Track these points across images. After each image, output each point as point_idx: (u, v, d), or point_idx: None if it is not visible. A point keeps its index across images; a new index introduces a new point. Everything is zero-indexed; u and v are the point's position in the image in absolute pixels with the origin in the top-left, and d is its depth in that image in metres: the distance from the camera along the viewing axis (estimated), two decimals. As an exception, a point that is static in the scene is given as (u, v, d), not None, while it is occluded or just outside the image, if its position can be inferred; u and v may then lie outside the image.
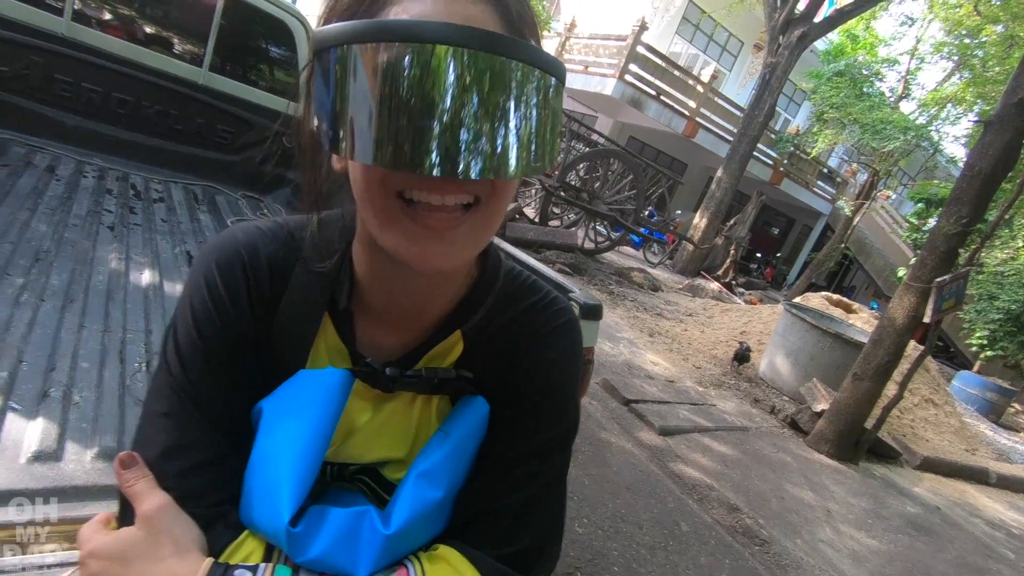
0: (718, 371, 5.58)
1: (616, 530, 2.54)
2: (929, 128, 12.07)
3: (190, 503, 0.48)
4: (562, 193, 8.27)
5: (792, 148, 14.13)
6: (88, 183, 2.19)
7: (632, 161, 8.77)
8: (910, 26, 13.47)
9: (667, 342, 5.96)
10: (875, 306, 13.16)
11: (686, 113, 12.40)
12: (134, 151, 2.59)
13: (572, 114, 10.26)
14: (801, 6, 10.18)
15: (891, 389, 4.52)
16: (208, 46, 2.66)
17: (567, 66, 12.62)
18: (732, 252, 10.98)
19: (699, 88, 12.49)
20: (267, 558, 0.48)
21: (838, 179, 16.56)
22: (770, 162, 14.22)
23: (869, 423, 4.50)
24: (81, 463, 0.90)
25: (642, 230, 10.18)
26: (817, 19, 10.27)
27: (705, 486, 3.22)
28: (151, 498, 0.47)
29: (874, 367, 4.31)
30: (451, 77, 0.37)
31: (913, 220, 11.45)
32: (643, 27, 11.11)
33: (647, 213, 11.13)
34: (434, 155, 0.37)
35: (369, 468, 0.57)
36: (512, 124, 0.39)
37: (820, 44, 12.92)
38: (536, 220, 8.21)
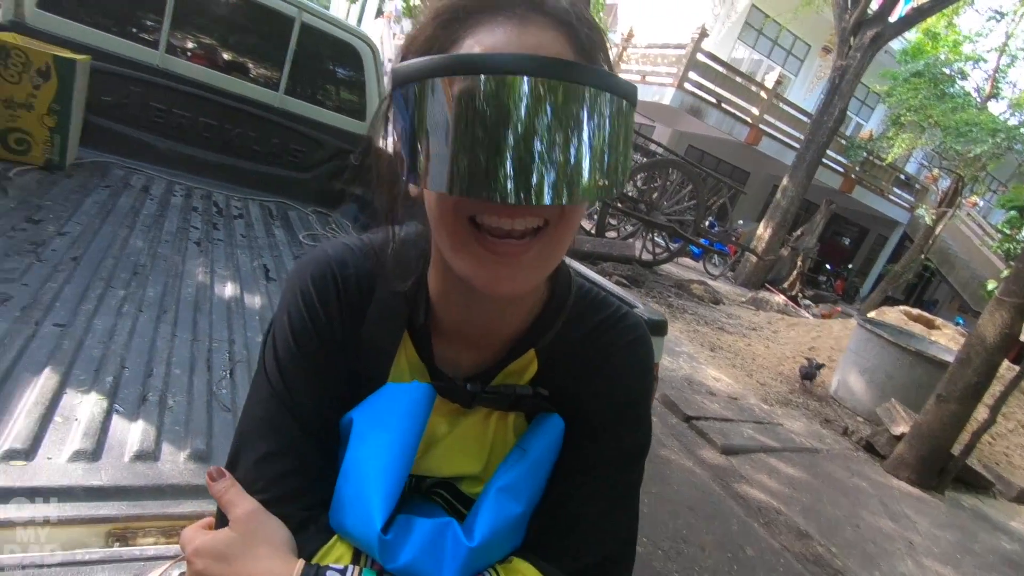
0: (784, 388, 5.32)
1: (677, 551, 2.46)
2: (1022, 129, 11.13)
3: (284, 506, 0.51)
4: (619, 204, 8.18)
5: (865, 154, 13.39)
6: (177, 201, 2.37)
7: (691, 171, 8.57)
8: (999, 21, 12.51)
9: (729, 357, 5.75)
10: (961, 322, 12.18)
11: (749, 120, 12.01)
12: (217, 171, 2.78)
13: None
14: (874, 6, 9.68)
15: (982, 413, 4.17)
16: (284, 71, 2.83)
17: (624, 76, 12.54)
18: (799, 264, 10.49)
19: (762, 94, 12.07)
20: (355, 561, 0.50)
21: (917, 186, 15.52)
22: (841, 169, 13.52)
23: (956, 449, 4.16)
24: (176, 463, 0.97)
25: (702, 241, 9.90)
26: (892, 18, 9.73)
27: (772, 509, 3.07)
28: (242, 504, 0.50)
29: (961, 388, 3.99)
30: (523, 106, 0.38)
31: (1005, 229, 10.53)
32: (703, 34, 10.88)
33: (707, 224, 10.83)
34: (507, 182, 0.39)
35: (446, 482, 0.59)
36: (583, 149, 0.40)
37: (895, 44, 12.23)
38: (593, 232, 8.16)
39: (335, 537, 0.51)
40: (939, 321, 6.94)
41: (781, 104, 12.51)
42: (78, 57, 2.20)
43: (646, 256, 8.64)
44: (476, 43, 0.44)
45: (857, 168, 13.73)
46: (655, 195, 8.48)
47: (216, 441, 1.06)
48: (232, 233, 2.27)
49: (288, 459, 0.52)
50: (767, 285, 10.70)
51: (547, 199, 0.40)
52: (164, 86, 2.58)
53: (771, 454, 3.79)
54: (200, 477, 0.95)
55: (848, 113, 11.53)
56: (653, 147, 9.06)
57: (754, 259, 10.77)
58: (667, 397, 4.03)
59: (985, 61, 12.55)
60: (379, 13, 22.18)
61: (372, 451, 0.51)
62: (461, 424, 0.58)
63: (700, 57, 11.10)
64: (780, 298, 9.63)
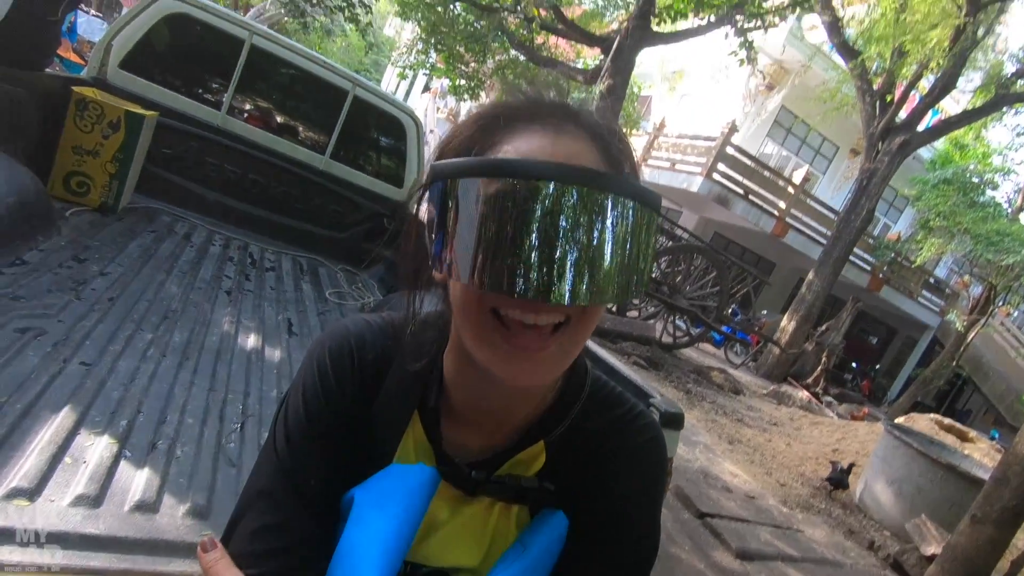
0: (806, 491, 5.05)
1: (683, 665, 2.27)
2: (1056, 243, 11.01)
3: None
4: (642, 284, 8.21)
5: (893, 255, 13.33)
6: (215, 250, 2.47)
7: (716, 258, 8.62)
8: (1028, 137, 12.72)
9: (748, 452, 5.52)
10: (996, 436, 11.56)
11: (775, 213, 12.16)
12: (257, 224, 2.90)
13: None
14: (903, 114, 9.97)
15: (1022, 539, 3.87)
16: (332, 137, 3.01)
17: (654, 163, 12.96)
18: (824, 359, 10.23)
19: (790, 189, 12.29)
20: None
21: (947, 290, 15.27)
22: (868, 268, 13.44)
23: (994, 578, 3.83)
24: (174, 518, 0.96)
25: (724, 328, 9.78)
26: (920, 127, 9.98)
27: (789, 628, 2.84)
28: None
29: (998, 510, 3.73)
30: (552, 210, 0.41)
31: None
32: (733, 129, 11.28)
33: (730, 311, 10.74)
34: (533, 280, 0.41)
35: (441, 573, 0.57)
36: (606, 254, 0.42)
37: (924, 151, 12.47)
38: (613, 310, 8.15)
39: None
40: (973, 433, 6.60)
41: (808, 200, 12.69)
42: (147, 113, 2.38)
43: (666, 339, 8.54)
44: (512, 148, 0.47)
45: (885, 268, 13.63)
46: (678, 279, 8.50)
47: (217, 497, 1.04)
48: (262, 285, 2.34)
49: (284, 535, 0.52)
50: (790, 379, 10.41)
51: (569, 300, 0.41)
52: (221, 143, 2.76)
53: (790, 563, 3.54)
54: (196, 534, 0.93)
55: (876, 214, 11.61)
56: (679, 232, 9.18)
57: (777, 351, 10.55)
58: (681, 490, 3.85)
59: (1016, 174, 12.66)
60: (426, 88, 23.67)
61: (369, 533, 0.50)
62: (463, 512, 0.56)
63: (729, 150, 11.45)
64: (803, 394, 9.33)
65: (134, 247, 2.12)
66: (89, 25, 9.43)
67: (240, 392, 1.46)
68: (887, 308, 15.10)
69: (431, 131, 18.10)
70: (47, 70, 2.31)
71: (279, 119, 3.12)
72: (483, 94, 13.80)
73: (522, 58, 11.03)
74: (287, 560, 0.51)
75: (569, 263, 0.41)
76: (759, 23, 8.23)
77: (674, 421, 1.12)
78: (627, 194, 0.43)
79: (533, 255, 0.41)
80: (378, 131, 3.29)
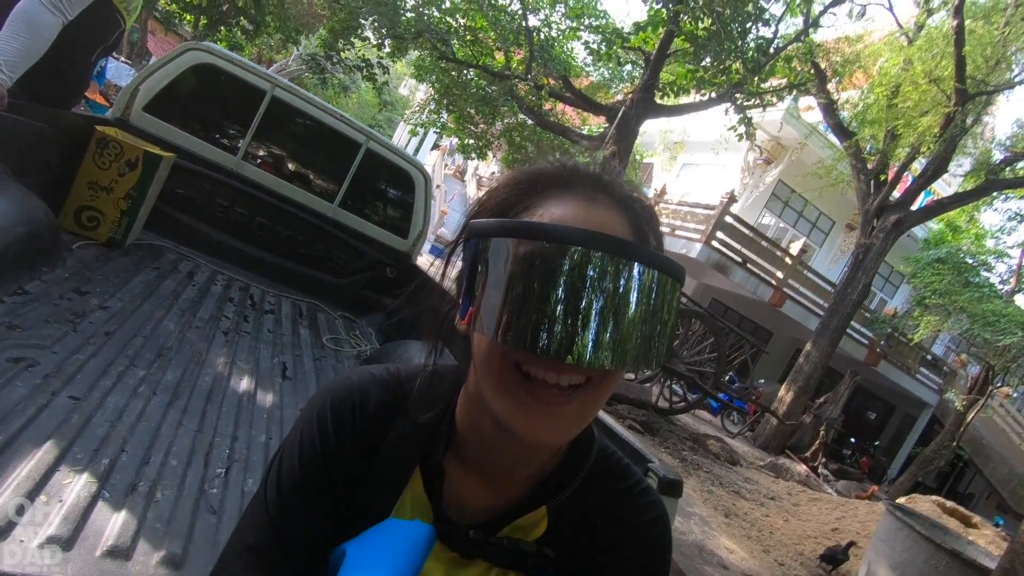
0: (804, 573, 4.83)
1: None
2: (1052, 326, 11.06)
3: None
4: (639, 347, 8.17)
5: (889, 330, 13.36)
6: (216, 290, 2.47)
7: (714, 323, 8.63)
8: (1020, 221, 13.05)
9: (745, 527, 5.33)
10: (1001, 522, 11.18)
11: (773, 282, 12.29)
12: (260, 266, 2.92)
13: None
14: (897, 194, 10.26)
15: (1032, 638, 3.66)
16: (342, 186, 3.08)
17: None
18: (822, 433, 10.05)
19: (787, 260, 12.48)
20: None
21: (945, 368, 15.20)
22: (865, 342, 13.44)
23: None
24: (146, 566, 0.92)
25: (721, 396, 9.66)
26: (914, 206, 10.25)
27: None
28: None
29: (1007, 604, 3.55)
30: (581, 275, 0.43)
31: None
32: (731, 199, 11.58)
33: (727, 379, 10.64)
34: (557, 339, 0.42)
35: None
36: (630, 320, 0.44)
37: (919, 231, 12.74)
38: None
39: None
40: (977, 519, 6.39)
41: (805, 271, 12.86)
42: (164, 154, 2.45)
43: (663, 403, 8.42)
44: (547, 213, 0.49)
45: (882, 343, 13.63)
46: (676, 343, 8.48)
47: (194, 546, 1.00)
48: (260, 327, 2.33)
49: None
50: (787, 451, 10.19)
51: (590, 362, 0.43)
52: (233, 186, 2.82)
53: (789, 652, 3.34)
54: (167, 586, 0.88)
55: (872, 288, 11.74)
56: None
57: (775, 421, 10.38)
58: (676, 565, 3.68)
59: (1009, 256, 12.90)
60: (435, 146, 24.47)
61: None
62: (459, 574, 0.54)
63: (728, 219, 11.70)
64: (801, 467, 9.10)
65: (137, 283, 2.13)
66: (118, 71, 9.86)
67: (228, 435, 1.42)
68: (885, 383, 14.99)
69: (438, 186, 18.56)
70: (73, 110, 2.39)
71: (292, 166, 3.21)
72: (490, 154, 14.23)
73: (530, 122, 11.47)
74: None
75: (593, 326, 0.43)
76: (757, 102, 8.61)
77: (673, 488, 1.09)
78: (653, 264, 0.45)
79: (559, 316, 0.42)
80: (387, 183, 3.37)
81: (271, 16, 9.35)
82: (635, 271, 0.44)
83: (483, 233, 0.47)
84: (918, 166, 10.59)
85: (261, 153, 3.09)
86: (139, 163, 2.36)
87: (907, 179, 10.72)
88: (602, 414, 1.52)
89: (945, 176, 10.65)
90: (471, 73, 10.66)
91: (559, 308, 0.42)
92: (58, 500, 0.96)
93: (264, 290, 2.79)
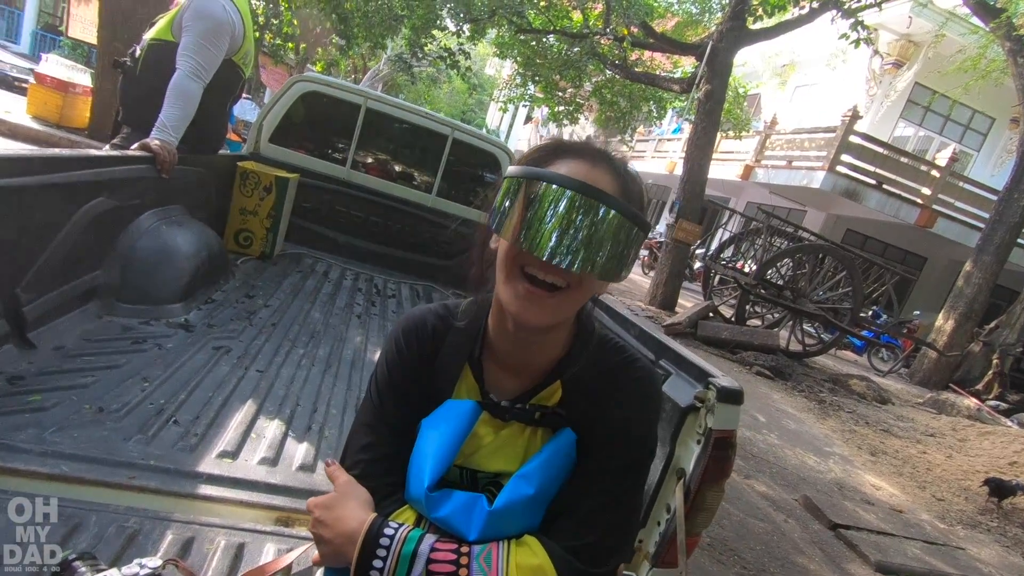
0: (971, 507, 4.46)
1: (809, 671, 2.20)
2: None
3: (372, 480, 0.75)
4: (761, 291, 7.81)
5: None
6: (347, 283, 2.93)
7: (843, 256, 7.96)
8: None
9: (895, 464, 5.01)
10: None
11: (918, 201, 10.91)
12: (379, 259, 3.36)
13: (766, 209, 9.81)
14: (1070, 71, 8.56)
15: None
16: (437, 177, 3.41)
17: (768, 163, 12.28)
18: (996, 362, 8.87)
19: (934, 173, 10.98)
20: (416, 525, 0.71)
21: None
22: (1047, 252, 11.48)
23: None
24: (324, 476, 1.27)
25: (865, 333, 8.92)
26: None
27: (942, 647, 2.59)
28: (342, 476, 0.75)
29: None
30: (568, 208, 0.64)
31: None
32: (855, 116, 10.41)
33: (871, 314, 9.76)
34: (550, 248, 0.64)
35: (494, 481, 0.78)
36: (597, 243, 0.65)
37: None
38: (732, 319, 7.84)
39: (406, 506, 0.73)
40: None
41: (959, 183, 11.23)
42: (291, 176, 2.93)
43: (795, 347, 8.00)
44: (560, 167, 0.70)
45: (1071, 251, 11.55)
46: (802, 282, 7.97)
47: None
48: (386, 310, 2.74)
49: (379, 449, 0.77)
50: (953, 386, 9.15)
51: (568, 264, 0.64)
52: (346, 193, 3.27)
53: (946, 582, 3.20)
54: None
55: (1049, 189, 9.96)
56: (803, 233, 8.61)
57: (934, 355, 9.35)
58: (809, 500, 3.65)
59: None
60: (528, 119, 24.58)
61: (429, 442, 0.74)
62: (502, 434, 0.78)
63: (853, 139, 10.56)
64: (971, 401, 8.16)
65: (286, 284, 2.62)
66: (242, 107, 11.25)
67: (370, 392, 1.79)
68: (1081, 298, 12.69)
69: (535, 159, 18.64)
70: (218, 152, 2.94)
71: (392, 166, 3.60)
72: (582, 116, 14.07)
73: (618, 76, 11.18)
74: (382, 466, 0.76)
75: (572, 243, 0.64)
76: (868, 1, 7.65)
77: (733, 397, 1.22)
78: (620, 211, 0.65)
79: (551, 232, 0.64)
80: (476, 167, 3.65)
81: (357, 28, 10.05)
82: (604, 212, 0.64)
83: (515, 175, 0.69)
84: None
85: (367, 160, 3.51)
86: (273, 187, 2.85)
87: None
88: (669, 340, 1.63)
89: None
90: (551, 39, 10.63)
91: (552, 227, 0.63)
92: (263, 436, 1.35)
93: (385, 279, 3.22)
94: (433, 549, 0.66)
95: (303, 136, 3.28)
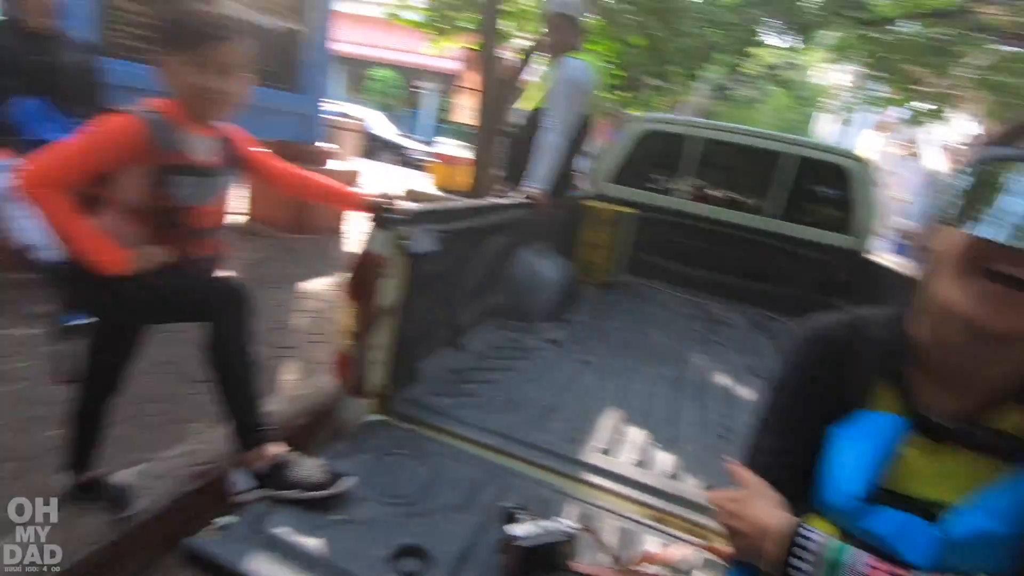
0: None
1: None
2: None
3: (777, 485, 0.75)
4: None
5: None
6: (683, 311, 3.01)
7: None
8: None
9: None
10: None
11: None
12: (713, 287, 3.33)
13: None
14: None
15: None
16: (777, 198, 3.22)
17: None
18: None
19: None
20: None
21: None
22: None
23: None
24: (689, 484, 1.35)
25: None
26: None
27: None
28: (749, 476, 0.76)
29: None
30: None
31: None
32: None
33: None
34: (1019, 234, 0.53)
35: (925, 510, 0.67)
36: None
37: None
38: None
39: (812, 516, 0.71)
40: None
41: None
42: (629, 211, 3.19)
43: None
44: None
45: None
46: None
47: (715, 480, 1.37)
48: (722, 336, 2.70)
49: (784, 457, 0.77)
50: None
51: None
52: (681, 224, 3.36)
53: None
54: (703, 499, 1.27)
55: None
56: None
57: None
58: None
59: None
60: (875, 126, 20.78)
61: (849, 451, 0.70)
62: (936, 457, 0.67)
63: None
64: None
65: (626, 309, 2.85)
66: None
67: (717, 412, 1.81)
68: None
69: (892, 173, 15.57)
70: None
71: (724, 193, 3.55)
72: (949, 110, 11.22)
73: (1012, 50, 8.54)
74: (784, 474, 0.76)
75: None
76: None
77: None
78: None
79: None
80: (819, 182, 3.30)
81: (672, 64, 10.29)
82: None
83: (987, 157, 0.60)
84: None
85: (703, 190, 3.53)
86: (613, 222, 3.16)
87: None
88: None
89: None
90: (904, 27, 8.86)
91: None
92: (630, 441, 1.52)
93: (720, 307, 3.17)
94: (869, 566, 0.61)
95: (639, 177, 3.53)
